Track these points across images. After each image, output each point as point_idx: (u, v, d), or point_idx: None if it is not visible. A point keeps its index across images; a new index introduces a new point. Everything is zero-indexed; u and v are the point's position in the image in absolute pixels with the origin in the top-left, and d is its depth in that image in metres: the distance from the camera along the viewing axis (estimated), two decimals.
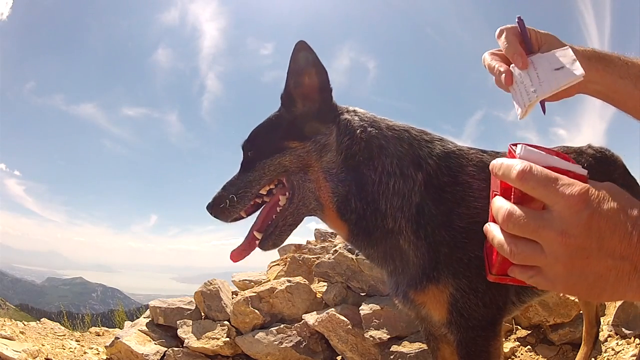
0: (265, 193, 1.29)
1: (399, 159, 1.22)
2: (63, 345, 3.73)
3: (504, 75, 0.86)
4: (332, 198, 1.24)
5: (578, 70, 0.79)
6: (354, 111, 1.30)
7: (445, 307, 1.20)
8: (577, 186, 0.50)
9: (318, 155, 1.24)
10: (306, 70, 1.25)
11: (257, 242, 1.28)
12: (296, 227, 1.30)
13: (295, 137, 1.26)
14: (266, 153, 1.27)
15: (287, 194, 1.27)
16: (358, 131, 1.25)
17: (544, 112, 0.92)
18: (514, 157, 0.57)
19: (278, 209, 1.27)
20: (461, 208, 1.20)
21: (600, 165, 1.66)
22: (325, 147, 1.25)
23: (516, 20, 0.91)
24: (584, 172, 0.54)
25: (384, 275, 1.37)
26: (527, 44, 0.88)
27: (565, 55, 0.83)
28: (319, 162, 1.24)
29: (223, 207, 1.27)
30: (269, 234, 1.26)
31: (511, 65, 0.88)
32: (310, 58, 1.24)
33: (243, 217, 1.31)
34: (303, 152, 1.25)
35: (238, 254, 1.29)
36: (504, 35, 0.89)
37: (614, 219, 0.49)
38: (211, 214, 1.30)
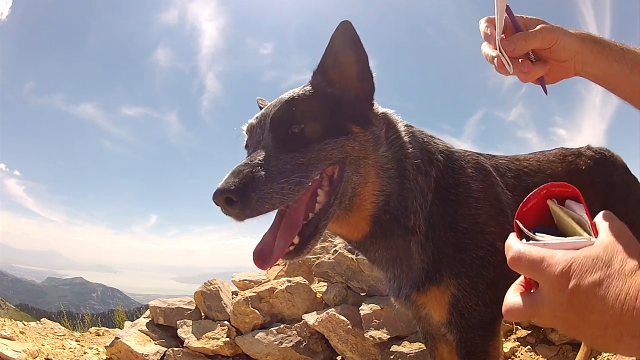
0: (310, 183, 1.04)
1: (421, 154, 1.22)
2: (63, 345, 3.73)
3: (495, 60, 0.87)
4: (376, 197, 1.13)
5: None
6: (387, 108, 1.27)
7: (445, 307, 1.20)
8: (560, 264, 0.53)
9: (374, 148, 1.12)
10: (349, 52, 1.12)
11: (292, 247, 1.02)
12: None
13: (357, 122, 1.11)
14: (327, 132, 1.06)
15: (325, 187, 1.08)
16: (399, 124, 1.22)
17: (546, 93, 0.93)
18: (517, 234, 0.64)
19: (316, 205, 1.06)
20: (464, 209, 1.21)
21: (600, 167, 1.66)
22: (379, 139, 1.14)
23: (506, 4, 0.92)
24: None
25: (385, 279, 1.37)
26: (515, 26, 0.89)
27: None
28: (375, 154, 1.12)
29: (266, 194, 0.94)
30: (308, 237, 1.03)
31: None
32: (354, 41, 1.10)
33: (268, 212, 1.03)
34: (363, 139, 1.10)
35: (268, 259, 1.00)
36: (482, 26, 0.91)
37: (594, 294, 0.50)
38: (233, 203, 0.92)
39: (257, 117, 1.16)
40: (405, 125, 1.26)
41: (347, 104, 1.13)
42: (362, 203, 1.13)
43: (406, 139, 1.20)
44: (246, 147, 1.19)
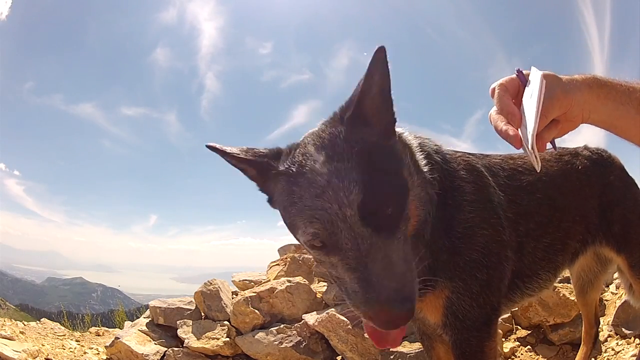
0: None
1: (427, 163, 1.16)
2: (63, 345, 3.73)
3: (513, 137, 0.83)
4: (414, 227, 1.05)
5: (538, 75, 0.82)
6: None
7: (440, 310, 1.20)
8: None
9: (411, 182, 1.00)
10: (383, 82, 0.93)
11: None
12: None
13: (401, 165, 0.99)
14: (401, 198, 0.94)
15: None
16: (413, 144, 1.15)
17: (555, 149, 0.94)
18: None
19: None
20: (459, 214, 1.21)
21: (596, 167, 1.66)
22: (411, 174, 1.03)
23: (515, 73, 0.91)
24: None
25: None
26: (524, 85, 0.88)
27: (533, 75, 0.84)
28: (413, 189, 1.00)
29: (412, 295, 0.88)
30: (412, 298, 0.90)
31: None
32: (386, 67, 0.92)
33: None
34: (410, 180, 0.99)
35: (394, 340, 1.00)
36: (496, 94, 0.88)
37: None
38: (409, 311, 0.86)
39: (328, 213, 0.89)
40: (410, 134, 1.20)
41: (386, 149, 0.98)
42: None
43: (419, 156, 1.14)
44: (320, 246, 0.96)
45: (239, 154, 1.03)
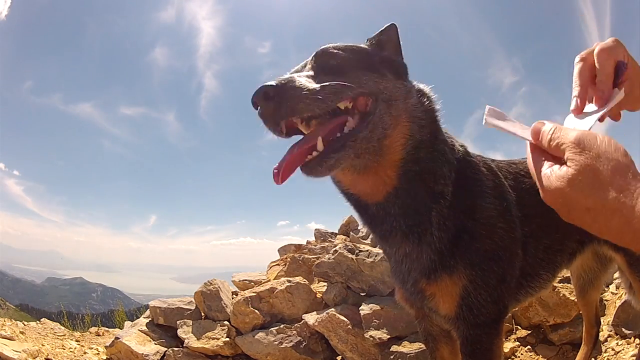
0: (342, 107, 1.04)
1: (446, 136, 1.26)
2: (63, 345, 3.73)
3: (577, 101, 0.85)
4: (405, 141, 1.13)
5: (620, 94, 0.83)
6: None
7: (455, 300, 1.19)
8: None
9: (404, 96, 1.16)
10: (396, 42, 1.23)
11: (314, 154, 0.98)
12: (351, 162, 1.06)
13: (390, 71, 1.17)
14: (362, 68, 1.12)
15: (356, 117, 1.06)
16: (434, 97, 1.25)
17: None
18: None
19: (346, 129, 1.04)
20: (482, 201, 1.23)
21: None
22: (410, 92, 1.18)
23: (623, 64, 0.86)
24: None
25: (393, 262, 1.33)
26: (617, 80, 0.86)
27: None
28: (404, 102, 1.15)
29: (302, 94, 0.94)
30: (336, 149, 0.99)
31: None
32: (398, 37, 1.24)
33: (282, 135, 1.03)
34: (395, 85, 1.15)
35: (285, 171, 0.96)
36: (601, 62, 0.86)
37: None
38: (270, 99, 0.94)
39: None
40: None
41: (390, 61, 1.19)
42: (392, 145, 1.11)
43: (438, 113, 1.25)
44: None
45: None
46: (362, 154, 1.06)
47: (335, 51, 1.12)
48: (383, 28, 1.24)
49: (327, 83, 0.99)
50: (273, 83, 0.94)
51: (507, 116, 0.84)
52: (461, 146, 1.31)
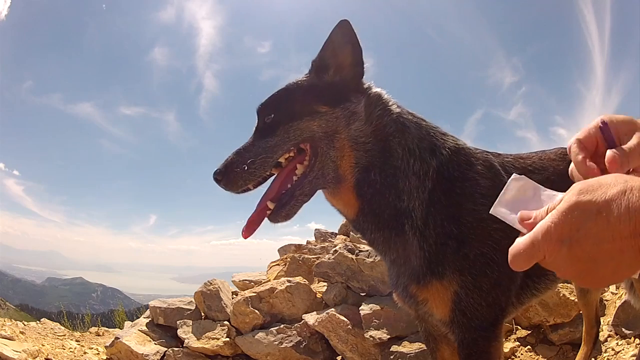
0: (283, 161, 1.23)
1: (419, 141, 1.25)
2: (63, 345, 3.73)
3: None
4: (353, 168, 1.21)
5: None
6: (380, 89, 1.33)
7: (448, 305, 1.19)
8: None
9: (346, 123, 1.21)
10: (345, 44, 1.25)
11: (269, 212, 1.20)
12: (309, 198, 1.23)
13: (325, 102, 1.23)
14: (292, 116, 1.21)
15: (305, 161, 1.22)
16: (390, 104, 1.27)
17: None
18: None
19: (294, 177, 1.22)
20: (469, 204, 1.21)
21: None
22: (354, 115, 1.22)
23: (600, 124, 0.76)
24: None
25: (387, 265, 1.36)
26: (608, 140, 0.75)
27: None
28: (347, 129, 1.21)
29: (238, 173, 1.18)
30: (284, 204, 1.19)
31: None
32: (350, 35, 1.25)
33: (250, 190, 1.24)
34: (332, 117, 1.21)
35: (248, 228, 1.20)
36: (572, 154, 0.76)
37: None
38: (219, 181, 1.20)
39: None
40: (409, 113, 1.30)
41: (329, 87, 1.26)
42: (344, 174, 1.22)
43: (395, 117, 1.25)
44: None
45: None
46: (324, 185, 1.23)
47: (267, 107, 1.27)
48: (331, 31, 1.25)
49: (253, 159, 1.19)
50: (218, 170, 1.21)
51: (539, 188, 0.68)
52: (451, 146, 1.28)
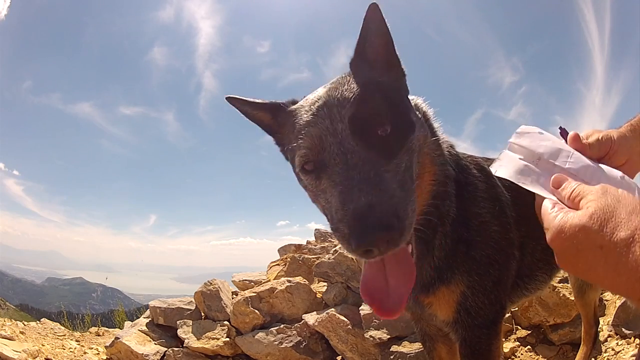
0: None
1: (439, 144, 1.18)
2: (63, 345, 3.73)
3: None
4: (431, 186, 1.06)
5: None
6: None
7: (453, 306, 1.20)
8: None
9: (425, 134, 1.02)
10: (382, 35, 0.99)
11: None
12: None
13: (410, 109, 1.01)
14: (405, 128, 0.91)
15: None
16: (430, 110, 1.18)
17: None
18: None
19: None
20: (474, 207, 1.22)
21: None
22: (423, 126, 1.04)
23: (558, 131, 0.89)
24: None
25: None
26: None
27: None
28: (427, 141, 1.02)
29: (409, 219, 0.78)
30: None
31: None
32: (385, 24, 0.98)
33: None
34: (420, 125, 1.00)
35: (397, 305, 0.86)
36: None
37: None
38: (399, 237, 0.74)
39: (318, 128, 0.89)
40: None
41: (393, 89, 0.99)
42: (420, 194, 0.99)
43: (438, 131, 1.17)
44: (310, 169, 0.91)
45: (256, 100, 1.12)
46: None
47: (370, 114, 0.87)
48: (366, 17, 0.94)
49: (402, 180, 0.83)
50: (392, 218, 0.74)
51: (541, 132, 0.80)
52: (451, 147, 1.25)
